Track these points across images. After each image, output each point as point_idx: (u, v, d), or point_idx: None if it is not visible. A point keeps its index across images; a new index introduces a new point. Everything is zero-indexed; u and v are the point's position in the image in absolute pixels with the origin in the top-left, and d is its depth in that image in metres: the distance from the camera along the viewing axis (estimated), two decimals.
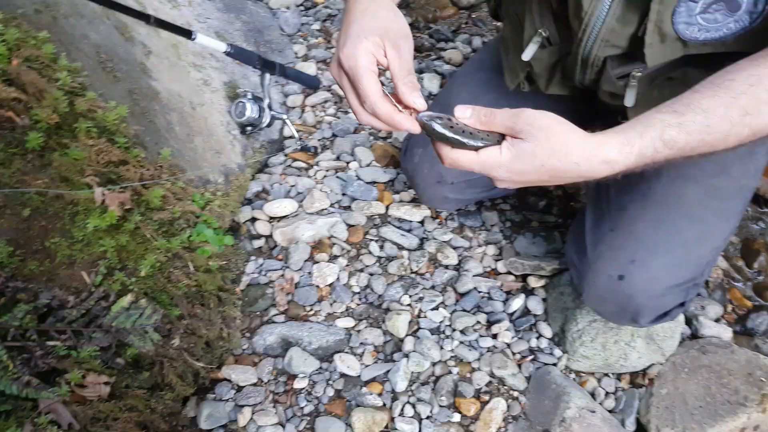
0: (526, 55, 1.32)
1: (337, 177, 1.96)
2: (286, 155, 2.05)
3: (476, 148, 0.87)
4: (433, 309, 1.70)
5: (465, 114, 0.89)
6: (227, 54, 1.76)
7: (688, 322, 1.69)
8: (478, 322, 1.67)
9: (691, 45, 1.09)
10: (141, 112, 1.57)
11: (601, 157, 0.85)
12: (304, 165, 2.01)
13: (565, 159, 0.84)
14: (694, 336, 1.67)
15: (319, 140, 2.08)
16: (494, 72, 1.57)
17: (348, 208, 1.90)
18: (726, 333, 1.66)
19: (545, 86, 1.40)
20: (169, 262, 1.46)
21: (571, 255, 1.43)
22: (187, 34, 1.65)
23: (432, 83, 2.21)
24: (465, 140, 0.87)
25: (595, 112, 1.60)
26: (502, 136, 0.88)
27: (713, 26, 1.04)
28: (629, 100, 1.22)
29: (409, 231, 1.86)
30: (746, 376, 1.53)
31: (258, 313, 1.70)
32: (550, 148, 0.84)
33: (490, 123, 0.87)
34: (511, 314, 1.69)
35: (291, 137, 2.05)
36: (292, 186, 1.95)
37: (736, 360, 1.57)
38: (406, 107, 0.93)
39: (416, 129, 0.91)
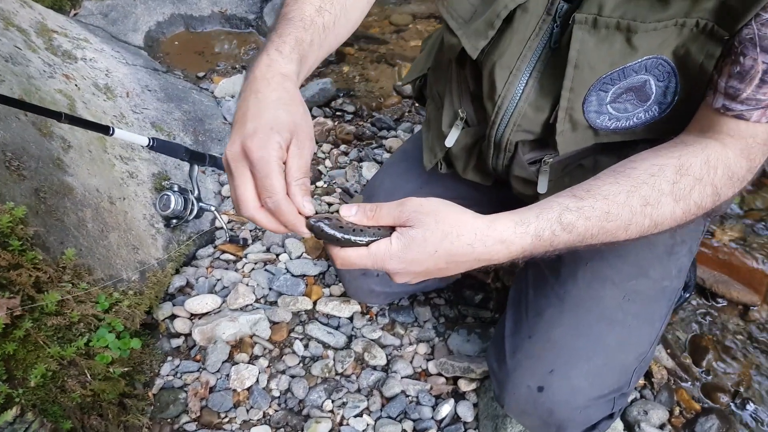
0: (449, 141, 1.30)
1: (266, 270, 1.89)
2: (215, 247, 1.98)
3: (366, 244, 0.84)
4: (356, 416, 1.59)
5: (350, 212, 0.86)
6: (150, 148, 1.73)
7: (629, 428, 1.59)
8: (404, 431, 1.57)
9: (602, 133, 1.09)
10: (47, 211, 1.51)
11: (495, 236, 0.83)
12: (232, 257, 1.94)
13: (458, 241, 0.82)
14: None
15: (250, 231, 2.02)
16: (416, 161, 1.54)
17: (274, 303, 1.83)
18: None
19: (462, 170, 1.37)
20: (63, 370, 1.37)
21: (491, 362, 1.35)
22: (104, 129, 1.61)
23: (370, 172, 2.17)
24: (353, 237, 0.84)
25: (514, 202, 1.57)
26: (392, 229, 0.86)
27: (623, 115, 1.04)
28: (542, 187, 1.19)
29: (337, 328, 1.78)
30: None
31: (168, 420, 1.58)
32: (441, 231, 0.81)
33: (377, 217, 0.85)
34: (440, 421, 1.59)
35: (221, 228, 2.00)
36: (218, 280, 1.87)
37: None
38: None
39: (306, 232, 0.87)
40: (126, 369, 1.48)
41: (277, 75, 0.94)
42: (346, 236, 0.84)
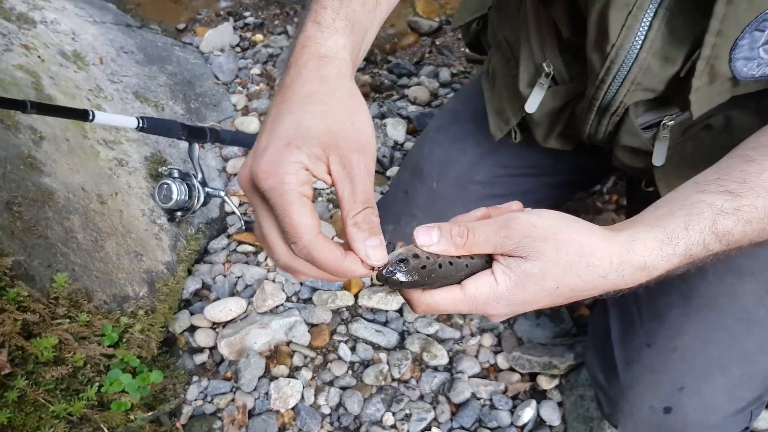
0: (531, 105, 1.01)
1: None
2: (229, 237, 1.70)
3: (458, 281, 0.63)
4: (423, 429, 1.36)
5: (431, 240, 0.62)
6: (140, 130, 1.42)
7: None
8: None
9: (742, 83, 0.83)
10: (25, 228, 1.21)
11: (636, 263, 0.62)
12: (251, 248, 1.66)
13: (588, 274, 0.61)
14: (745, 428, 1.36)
15: None
16: (473, 123, 1.26)
17: (308, 301, 1.56)
18: None
19: (543, 137, 1.10)
20: (74, 429, 1.11)
21: (595, 371, 1.11)
22: (82, 115, 1.30)
23: (397, 130, 1.87)
24: (441, 278, 0.62)
25: (604, 167, 1.29)
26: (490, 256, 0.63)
27: None
28: (658, 158, 0.94)
29: (385, 324, 1.52)
30: None
31: None
32: (565, 263, 0.60)
33: (470, 246, 0.62)
34: (522, 428, 1.36)
35: (233, 213, 1.71)
36: (239, 278, 1.60)
37: None
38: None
39: (371, 273, 0.62)
40: (150, 414, 1.22)
41: (313, 59, 0.66)
42: (432, 280, 0.61)
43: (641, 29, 0.81)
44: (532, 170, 1.27)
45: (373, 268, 0.60)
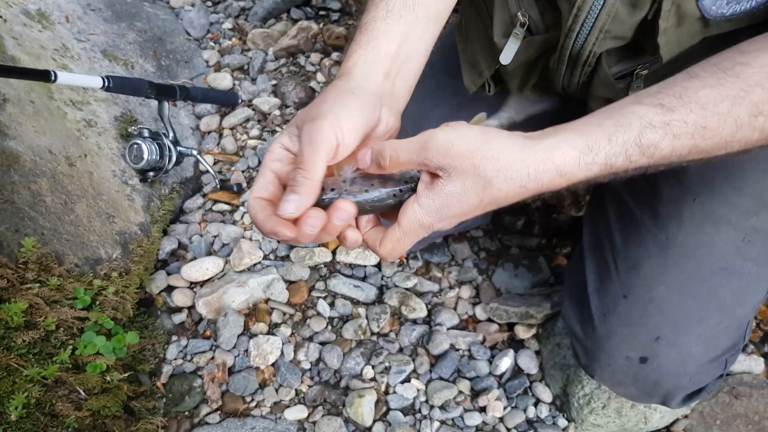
0: (505, 57, 0.98)
1: None
2: (204, 196, 1.68)
3: (394, 206, 0.69)
4: (403, 381, 1.37)
5: (366, 163, 0.68)
6: (106, 89, 1.38)
7: None
8: (461, 392, 1.35)
9: (713, 23, 0.80)
10: None
11: (553, 170, 0.63)
12: (227, 207, 1.64)
13: (507, 185, 0.63)
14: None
15: (243, 171, 1.71)
16: (447, 76, 1.23)
17: (286, 258, 1.55)
18: (758, 365, 1.37)
19: (518, 89, 1.07)
20: (49, 393, 1.11)
21: (571, 323, 1.11)
22: (44, 75, 1.26)
23: None
24: (375, 203, 0.69)
25: (578, 117, 1.26)
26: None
27: None
28: None
29: (363, 279, 1.52)
30: None
31: (186, 413, 1.36)
32: (484, 179, 0.63)
33: (394, 166, 0.66)
34: (500, 377, 1.37)
35: (207, 172, 1.68)
36: (215, 237, 1.59)
37: None
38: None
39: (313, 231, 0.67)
40: (126, 374, 1.22)
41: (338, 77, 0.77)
42: (365, 198, 0.68)
43: None
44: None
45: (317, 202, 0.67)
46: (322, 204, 0.66)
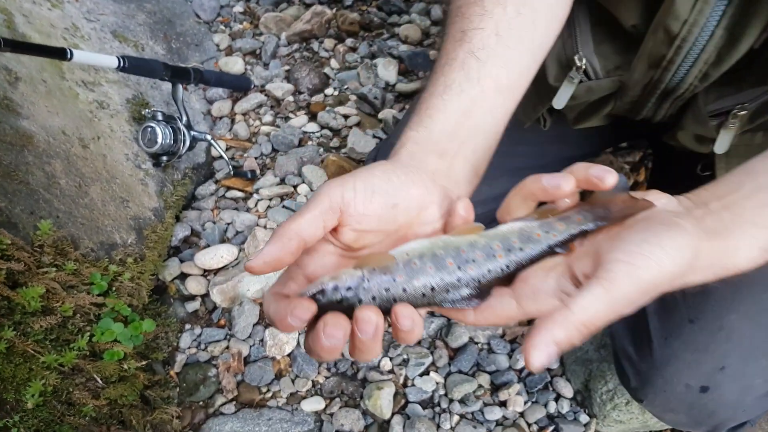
0: (559, 102, 0.92)
1: (284, 207, 1.57)
2: (217, 182, 1.64)
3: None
4: (422, 374, 1.35)
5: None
6: (121, 70, 1.35)
7: None
8: (480, 386, 1.33)
9: None
10: (4, 174, 1.15)
11: (730, 268, 0.54)
12: (240, 194, 1.61)
13: (679, 283, 0.51)
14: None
15: (256, 158, 1.68)
16: None
17: None
18: None
19: (574, 121, 1.02)
20: (67, 380, 1.08)
21: (623, 341, 1.05)
22: (60, 53, 1.23)
23: (388, 71, 1.80)
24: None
25: (628, 133, 1.21)
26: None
27: None
28: (721, 145, 0.85)
29: None
30: None
31: (201, 403, 1.33)
32: (669, 274, 0.49)
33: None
34: (520, 371, 1.35)
35: (220, 158, 1.65)
36: (228, 224, 1.55)
37: None
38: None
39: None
40: (144, 363, 1.19)
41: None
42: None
43: (719, 4, 0.72)
44: (551, 146, 1.18)
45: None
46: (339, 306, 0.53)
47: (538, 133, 1.06)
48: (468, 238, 0.58)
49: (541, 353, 0.46)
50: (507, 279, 0.57)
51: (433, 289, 0.55)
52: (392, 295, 0.54)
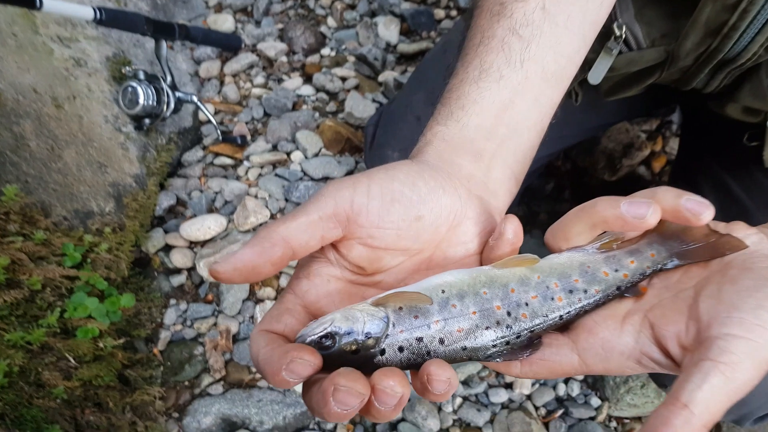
0: (595, 77, 0.81)
1: (276, 175, 1.46)
2: (204, 148, 1.53)
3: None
4: None
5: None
6: (97, 22, 1.23)
7: None
8: (485, 368, 1.25)
9: None
10: None
11: None
12: (230, 161, 1.50)
13: None
14: None
15: (247, 123, 1.57)
16: None
17: None
18: None
19: (608, 92, 0.90)
20: (35, 360, 0.98)
21: None
22: (28, 2, 1.11)
23: (389, 30, 1.68)
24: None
25: (663, 100, 1.10)
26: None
27: None
28: None
29: None
30: None
31: (186, 383, 1.24)
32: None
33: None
34: None
35: (208, 122, 1.54)
36: (217, 193, 1.45)
37: None
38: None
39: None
40: (121, 341, 1.10)
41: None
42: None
43: None
44: (575, 115, 1.08)
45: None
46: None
47: (567, 105, 0.96)
48: (517, 273, 0.47)
49: None
50: (564, 325, 0.47)
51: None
52: (425, 347, 0.44)
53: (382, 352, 0.43)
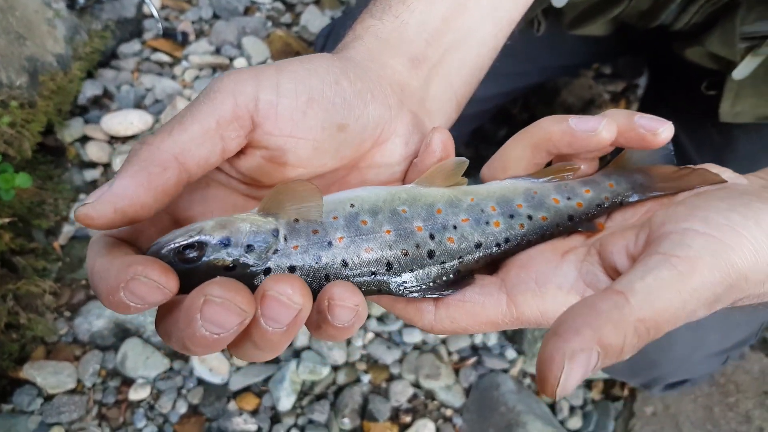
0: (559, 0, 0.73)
1: None
2: (143, 43, 1.42)
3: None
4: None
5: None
6: None
7: None
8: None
9: None
10: None
11: None
12: (167, 59, 1.40)
13: (749, 287, 0.33)
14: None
15: (193, 22, 1.46)
16: None
17: None
18: None
19: (572, 24, 0.83)
20: None
21: None
22: None
23: None
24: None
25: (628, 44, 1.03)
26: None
27: None
28: (743, 71, 0.70)
29: None
30: (761, 396, 1.12)
31: (84, 282, 1.16)
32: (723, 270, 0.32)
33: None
34: None
35: (151, 16, 1.43)
36: (148, 90, 1.35)
37: (748, 370, 1.16)
38: None
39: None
40: (10, 219, 1.00)
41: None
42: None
43: None
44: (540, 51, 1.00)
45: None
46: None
47: (527, 35, 0.87)
48: (446, 193, 0.39)
49: (578, 368, 0.27)
50: (496, 261, 0.39)
51: (389, 266, 0.36)
52: (324, 269, 0.35)
53: (267, 271, 0.33)
